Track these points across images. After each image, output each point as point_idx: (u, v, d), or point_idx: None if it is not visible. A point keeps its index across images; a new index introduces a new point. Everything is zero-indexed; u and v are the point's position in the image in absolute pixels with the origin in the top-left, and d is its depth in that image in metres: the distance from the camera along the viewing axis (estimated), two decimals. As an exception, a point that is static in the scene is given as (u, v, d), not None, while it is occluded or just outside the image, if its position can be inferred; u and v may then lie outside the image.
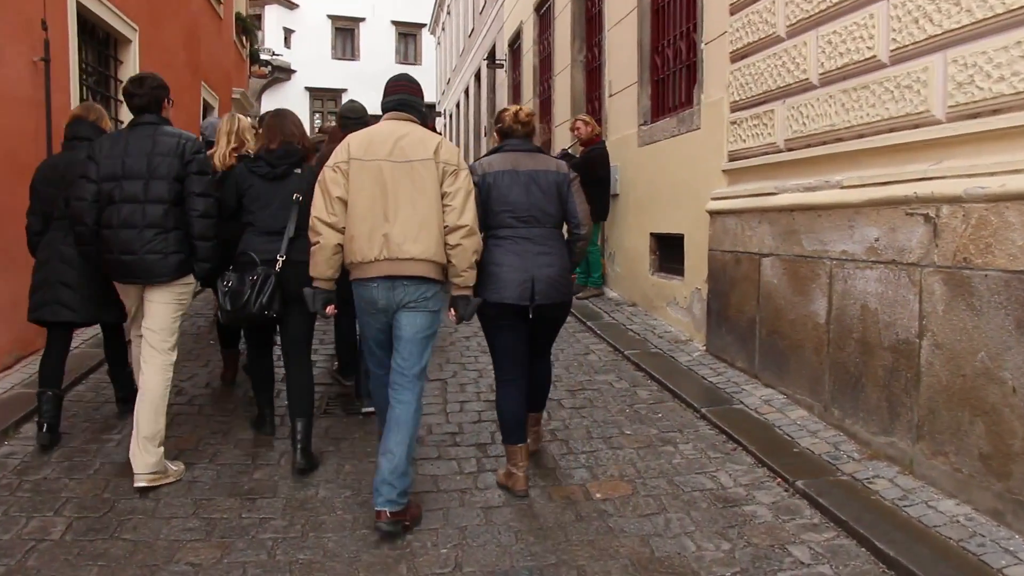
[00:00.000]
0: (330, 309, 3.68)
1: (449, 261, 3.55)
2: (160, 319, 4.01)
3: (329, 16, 37.26)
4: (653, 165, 7.59)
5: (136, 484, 3.82)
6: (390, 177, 3.49)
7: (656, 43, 7.82)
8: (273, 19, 35.76)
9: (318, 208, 3.54)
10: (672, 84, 7.51)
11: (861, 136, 4.42)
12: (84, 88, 7.24)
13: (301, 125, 4.43)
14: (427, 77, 36.14)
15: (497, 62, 16.54)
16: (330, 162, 3.58)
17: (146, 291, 4.03)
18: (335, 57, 37.30)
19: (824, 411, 4.63)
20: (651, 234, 7.72)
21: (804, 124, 4.97)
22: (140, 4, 8.55)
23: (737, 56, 5.84)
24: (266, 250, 4.08)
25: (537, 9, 13.05)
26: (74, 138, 4.54)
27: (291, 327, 4.26)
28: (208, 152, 4.65)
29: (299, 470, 4.08)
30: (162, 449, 3.94)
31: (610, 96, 8.99)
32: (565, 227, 4.12)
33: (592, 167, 8.21)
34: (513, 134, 4.04)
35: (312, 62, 35.62)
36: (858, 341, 4.31)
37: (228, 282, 4.06)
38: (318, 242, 3.54)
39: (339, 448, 4.46)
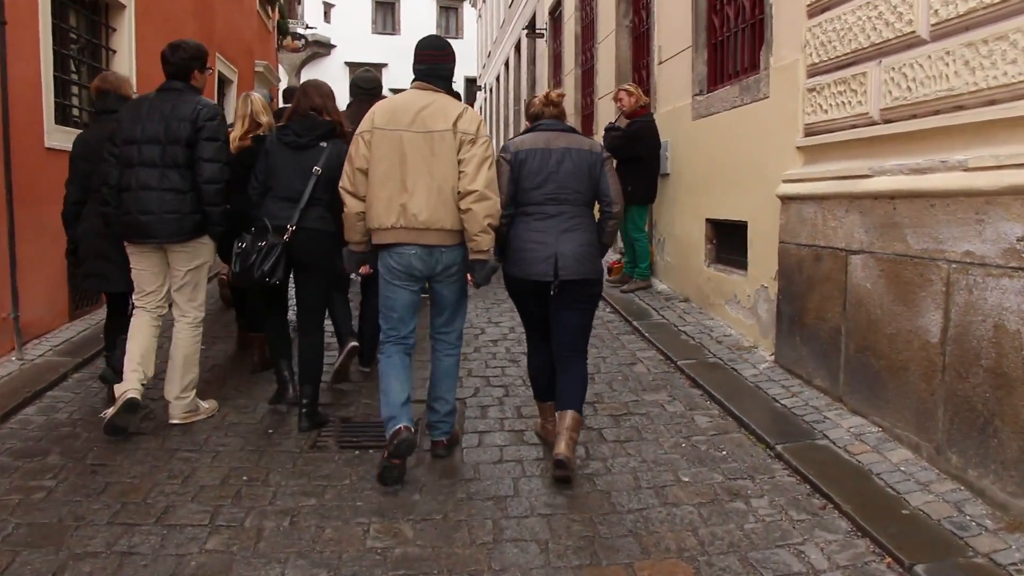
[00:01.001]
0: (364, 268, 4.09)
1: (463, 226, 3.64)
2: (184, 280, 4.34)
3: (370, -11, 36.49)
4: (710, 141, 6.57)
5: (171, 421, 4.38)
6: (410, 147, 3.62)
7: (714, 0, 6.77)
8: (313, -7, 35.14)
9: (344, 178, 3.79)
10: (733, 47, 6.46)
11: (993, 102, 3.38)
12: (62, 58, 6.42)
13: (331, 96, 4.48)
14: (468, 50, 35.32)
15: (537, 32, 15.50)
16: (357, 131, 3.77)
17: (169, 256, 4.31)
18: (375, 31, 36.79)
19: (936, 454, 3.63)
20: (707, 220, 6.72)
21: (909, 89, 3.93)
22: (137, -35, 7.72)
23: (817, 9, 4.80)
24: (280, 216, 4.24)
25: (579, -29, 11.99)
26: (103, 111, 4.69)
27: (301, 296, 4.54)
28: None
29: (302, 429, 4.38)
30: (193, 392, 4.47)
31: (660, 64, 7.95)
32: (597, 207, 4.04)
33: (637, 142, 7.25)
34: (544, 115, 4.05)
35: (352, 37, 35.09)
36: (989, 370, 3.30)
37: (242, 243, 4.26)
38: (345, 210, 3.81)
39: (321, 501, 3.58)
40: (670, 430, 4.42)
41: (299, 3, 35.04)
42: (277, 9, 16.08)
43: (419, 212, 3.60)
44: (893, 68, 4.06)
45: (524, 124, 4.48)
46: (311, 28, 23.20)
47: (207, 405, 4.57)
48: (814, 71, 4.86)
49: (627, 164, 7.25)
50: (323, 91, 4.47)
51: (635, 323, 6.55)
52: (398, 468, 3.64)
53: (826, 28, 4.68)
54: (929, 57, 3.79)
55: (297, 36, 21.43)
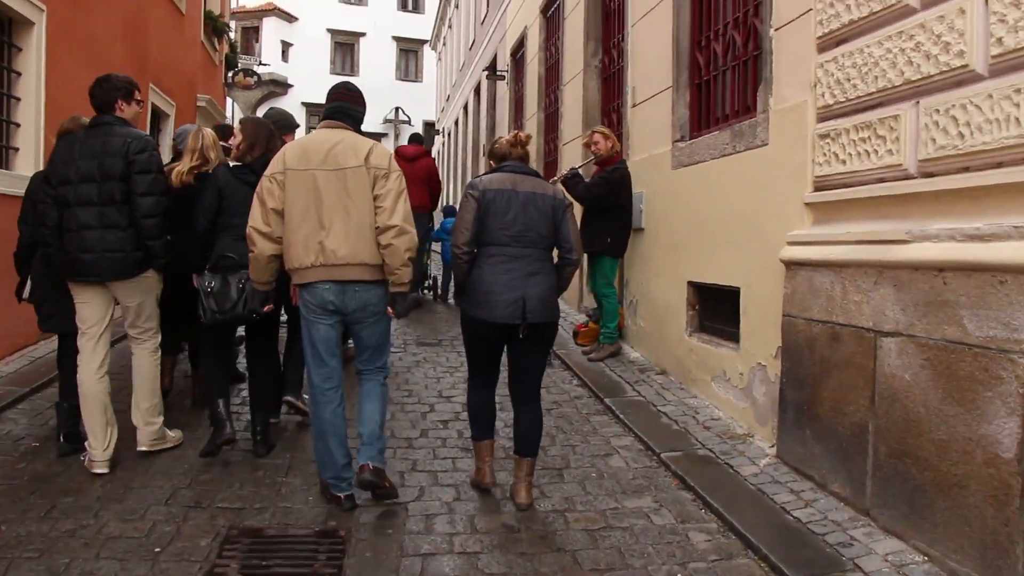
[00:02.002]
0: (268, 307, 4.24)
1: (384, 261, 3.68)
2: (135, 311, 4.36)
3: (329, 30, 36.03)
4: (694, 193, 5.79)
5: (139, 448, 4.41)
6: (324, 185, 3.64)
7: (697, 36, 6.04)
8: (271, 31, 34.52)
9: (254, 218, 3.71)
10: (721, 88, 5.72)
11: (1091, 154, 2.62)
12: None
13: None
14: (427, 94, 34.93)
15: (498, 73, 14.83)
16: (266, 172, 3.74)
17: (115, 292, 4.28)
18: (333, 72, 36.05)
19: (1013, 606, 2.79)
20: (689, 283, 5.91)
21: (961, 136, 3.16)
22: (50, -21, 6.81)
23: (831, 41, 4.06)
24: (245, 252, 4.01)
25: (544, 11, 11.34)
26: None
27: (259, 331, 4.59)
28: (169, 165, 4.88)
29: (259, 455, 4.51)
30: (161, 419, 4.50)
31: (633, 106, 7.20)
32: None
33: (619, 189, 6.49)
34: (511, 156, 4.10)
35: (310, 77, 34.38)
36: (1098, 508, 2.48)
37: (210, 284, 4.24)
38: (252, 252, 3.76)
39: None
40: (660, 553, 3.52)
41: (256, 41, 34.56)
42: (226, 42, 15.17)
43: (337, 248, 3.62)
44: (937, 110, 3.30)
45: (483, 168, 4.22)
46: (265, 65, 22.33)
47: (172, 434, 4.62)
48: (828, 114, 4.10)
49: (604, 213, 6.52)
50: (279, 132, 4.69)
51: (607, 401, 5.68)
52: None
53: (843, 64, 3.93)
54: (990, 96, 3.02)
55: (249, 72, 20.55)
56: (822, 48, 4.15)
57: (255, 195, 3.76)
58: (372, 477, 3.78)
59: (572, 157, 9.44)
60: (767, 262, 4.64)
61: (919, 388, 3.29)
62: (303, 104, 34.60)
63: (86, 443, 4.26)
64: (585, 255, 6.79)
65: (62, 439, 4.52)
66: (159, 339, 4.52)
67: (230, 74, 17.07)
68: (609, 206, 6.56)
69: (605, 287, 6.75)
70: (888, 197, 3.62)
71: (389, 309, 3.87)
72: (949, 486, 3.12)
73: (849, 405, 3.76)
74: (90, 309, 4.27)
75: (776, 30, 4.66)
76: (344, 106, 3.89)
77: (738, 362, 5.08)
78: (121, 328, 4.70)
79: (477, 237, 3.88)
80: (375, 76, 35.09)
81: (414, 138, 10.15)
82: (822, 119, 4.16)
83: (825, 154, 4.11)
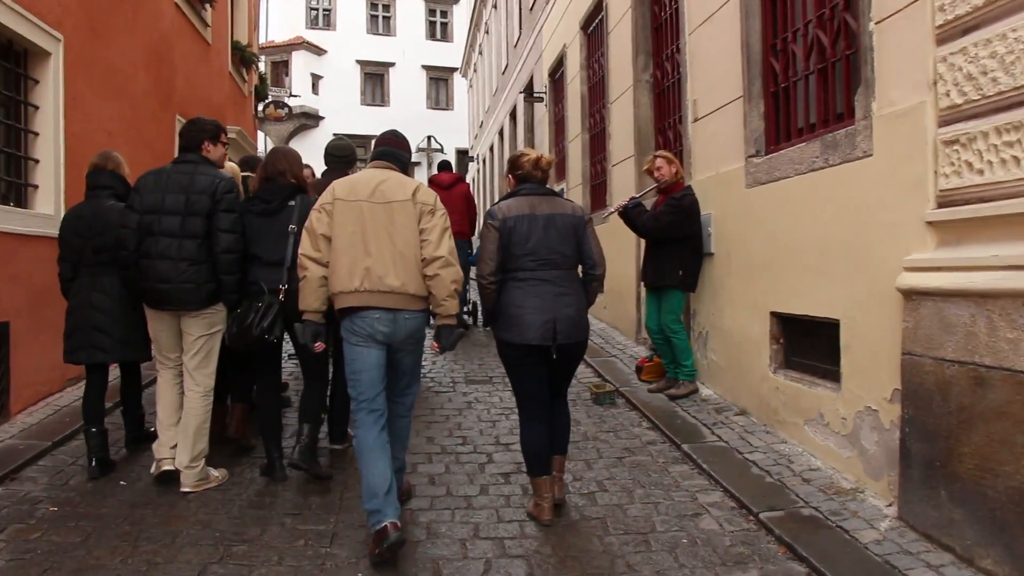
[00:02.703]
0: (319, 345, 3.91)
1: (430, 292, 3.73)
2: (197, 346, 4.43)
3: (358, 61, 35.88)
4: (775, 213, 5.18)
5: (183, 489, 4.38)
6: (370, 216, 3.74)
7: (771, 39, 5.45)
8: (300, 65, 34.43)
9: (304, 246, 3.80)
10: (803, 95, 5.12)
11: None
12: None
13: (297, 162, 4.68)
14: (459, 122, 34.62)
15: (536, 95, 14.33)
16: (316, 205, 3.85)
17: (182, 322, 4.42)
18: (364, 103, 36.05)
19: None
20: (773, 314, 5.28)
21: None
22: (67, 7, 6.41)
23: (955, 30, 3.47)
24: (271, 279, 4.38)
25: (584, 27, 10.81)
26: (96, 187, 4.80)
27: (301, 351, 4.61)
28: None
29: (291, 465, 4.54)
30: (203, 461, 4.48)
31: (695, 121, 6.62)
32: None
33: (684, 219, 5.94)
34: (530, 179, 4.12)
35: (341, 108, 34.40)
36: None
37: (239, 309, 4.37)
38: (305, 276, 3.79)
39: None
40: (785, 651, 2.89)
41: (286, 75, 34.53)
42: (255, 73, 14.86)
43: (384, 275, 3.68)
44: (1118, 104, 2.68)
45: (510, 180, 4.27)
46: (296, 96, 22.03)
47: (216, 473, 4.60)
48: (955, 116, 3.49)
49: (673, 244, 5.97)
50: (290, 157, 4.67)
51: (686, 447, 5.06)
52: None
53: (976, 55, 3.33)
54: None
55: (280, 104, 20.26)
56: (943, 39, 3.55)
57: (305, 227, 3.86)
58: (397, 538, 3.53)
59: (622, 179, 8.89)
60: (875, 291, 4.02)
61: (1110, 447, 2.65)
62: (335, 135, 34.48)
63: (153, 446, 4.60)
64: (643, 287, 6.24)
65: (95, 464, 4.63)
66: (212, 383, 4.52)
67: (260, 107, 16.75)
68: (680, 236, 5.99)
69: (674, 323, 6.16)
70: (1049, 212, 3.00)
71: (435, 343, 3.85)
72: None
73: (1005, 465, 3.12)
74: (165, 338, 4.49)
75: (877, 23, 4.06)
76: (392, 150, 4.01)
77: (839, 405, 4.44)
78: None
79: (502, 265, 3.97)
80: (406, 106, 34.95)
81: (443, 165, 9.74)
82: (947, 122, 3.55)
83: (953, 163, 3.50)
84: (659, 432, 5.52)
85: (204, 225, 4.32)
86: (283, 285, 4.35)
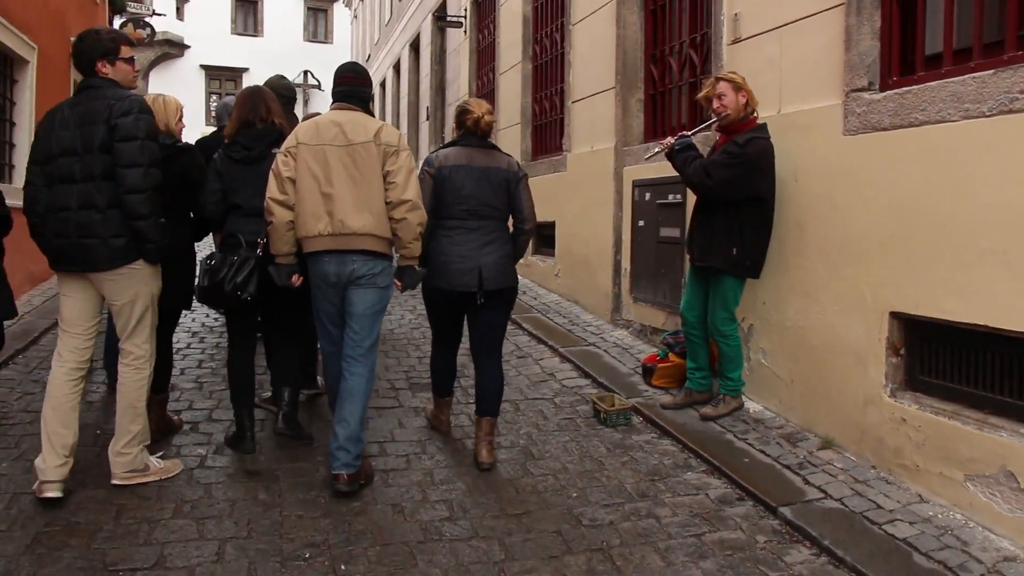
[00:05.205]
0: (296, 278, 3.84)
1: (395, 234, 3.74)
2: (124, 316, 3.68)
3: (229, -15, 32.33)
4: (910, 173, 3.60)
5: (112, 481, 3.71)
6: (334, 159, 3.70)
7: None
8: (163, -14, 30.67)
9: (271, 189, 3.74)
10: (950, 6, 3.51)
11: None
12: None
13: (274, 99, 4.29)
14: (339, 56, 31.61)
15: (451, 19, 12.30)
16: (281, 148, 3.81)
17: (98, 286, 3.65)
18: (235, 32, 32.80)
19: None
20: (894, 316, 3.74)
21: None
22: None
23: None
24: (250, 231, 4.01)
25: (527, -66, 8.92)
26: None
27: (275, 316, 4.28)
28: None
29: (279, 433, 4.27)
30: (139, 447, 3.76)
31: (734, 42, 4.94)
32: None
33: (751, 173, 4.30)
34: (473, 131, 4.15)
35: (209, 36, 31.00)
36: None
37: (211, 260, 4.00)
38: (271, 221, 3.75)
39: None
40: None
41: (143, -5, 30.69)
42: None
43: (346, 218, 3.67)
44: None
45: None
46: (160, 15, 18.71)
47: (160, 464, 3.86)
48: None
49: (729, 209, 4.34)
50: (271, 101, 4.23)
51: (786, 513, 3.47)
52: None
53: None
54: None
55: (142, 24, 17.07)
56: None
57: (271, 170, 3.77)
58: (347, 487, 3.69)
59: (592, 118, 7.16)
60: None
61: None
62: (202, 67, 31.42)
63: (35, 462, 3.57)
64: (696, 268, 4.62)
65: None
66: (148, 355, 3.77)
67: (117, 21, 13.87)
68: (739, 198, 4.33)
69: (725, 322, 4.52)
70: None
71: (398, 282, 3.86)
72: None
73: None
74: (72, 306, 3.70)
75: None
76: (352, 89, 3.92)
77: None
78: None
79: (435, 211, 4.00)
80: (281, 37, 32.20)
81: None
82: None
83: None
84: (726, 480, 3.92)
85: (103, 162, 3.52)
86: (262, 239, 3.94)
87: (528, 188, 4.20)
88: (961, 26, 3.54)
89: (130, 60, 3.80)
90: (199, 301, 4.17)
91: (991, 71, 3.21)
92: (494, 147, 4.22)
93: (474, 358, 4.26)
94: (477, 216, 4.01)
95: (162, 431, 4.32)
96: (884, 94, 3.77)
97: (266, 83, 4.95)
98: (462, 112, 4.19)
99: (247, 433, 4.14)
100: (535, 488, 3.90)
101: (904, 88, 3.66)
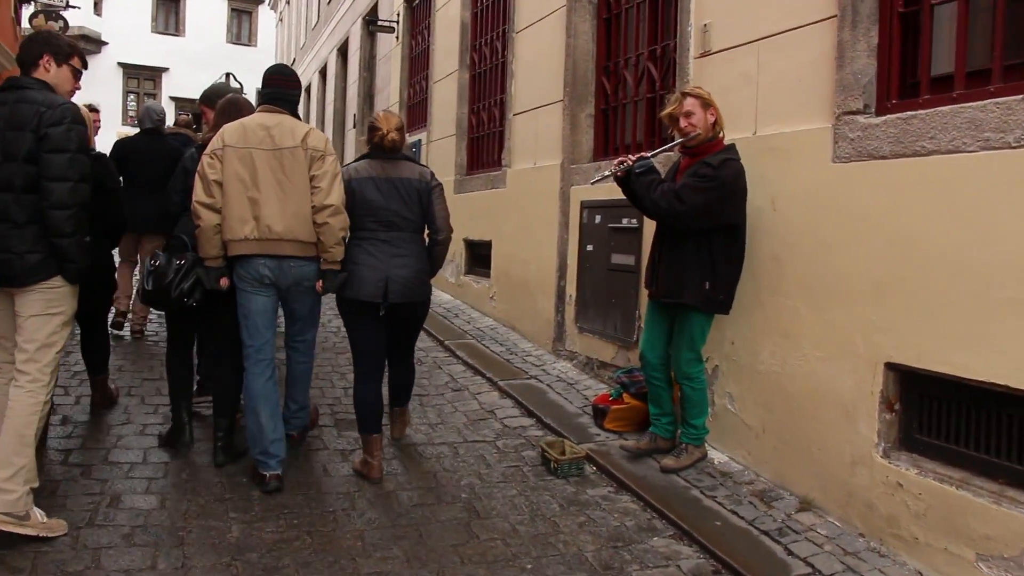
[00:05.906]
0: (224, 281, 3.88)
1: (318, 238, 3.81)
2: (30, 332, 3.31)
3: (150, -19, 31.06)
4: (914, 208, 3.19)
5: None
6: (260, 163, 3.74)
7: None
8: (81, -23, 29.15)
9: (197, 192, 3.76)
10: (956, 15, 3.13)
11: None
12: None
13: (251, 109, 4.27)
14: (263, 59, 30.57)
15: (383, 23, 11.71)
16: (207, 151, 3.82)
17: (13, 300, 3.36)
18: (156, 30, 31.65)
19: None
20: (891, 367, 3.32)
21: None
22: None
23: None
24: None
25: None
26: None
27: (216, 320, 4.17)
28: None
29: (219, 464, 4.13)
30: (24, 488, 3.20)
31: (701, 56, 4.52)
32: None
33: (723, 199, 3.85)
34: (383, 146, 4.11)
35: (127, 33, 29.74)
36: None
37: (156, 261, 4.02)
38: (199, 225, 3.78)
39: None
40: None
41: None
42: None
43: (273, 223, 3.73)
44: None
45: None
46: (74, 7, 17.50)
47: (43, 520, 3.28)
48: None
49: (700, 239, 3.88)
50: (246, 107, 4.22)
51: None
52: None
53: None
54: None
55: (54, 16, 15.83)
56: None
57: (196, 172, 3.79)
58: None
59: (536, 132, 6.69)
60: None
61: None
62: (120, 65, 30.14)
63: None
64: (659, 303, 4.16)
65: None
66: (48, 381, 3.34)
67: (26, 14, 12.74)
68: (712, 226, 3.87)
69: (691, 364, 4.06)
70: None
71: (319, 284, 3.93)
72: None
73: None
74: None
75: None
76: (280, 91, 3.95)
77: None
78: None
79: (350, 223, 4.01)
80: (203, 37, 31.27)
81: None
82: None
83: None
84: (698, 548, 3.44)
85: (25, 173, 3.24)
86: None
87: (443, 198, 4.22)
88: (974, 46, 3.16)
89: (77, 73, 3.59)
90: (143, 303, 4.26)
91: (1019, 96, 2.82)
92: (406, 158, 4.23)
93: (388, 363, 4.39)
94: (388, 227, 4.02)
95: (107, 404, 4.81)
96: (883, 118, 3.36)
97: (213, 87, 5.11)
98: (370, 128, 4.18)
99: (185, 426, 4.29)
100: (483, 557, 3.37)
101: (908, 112, 3.25)
